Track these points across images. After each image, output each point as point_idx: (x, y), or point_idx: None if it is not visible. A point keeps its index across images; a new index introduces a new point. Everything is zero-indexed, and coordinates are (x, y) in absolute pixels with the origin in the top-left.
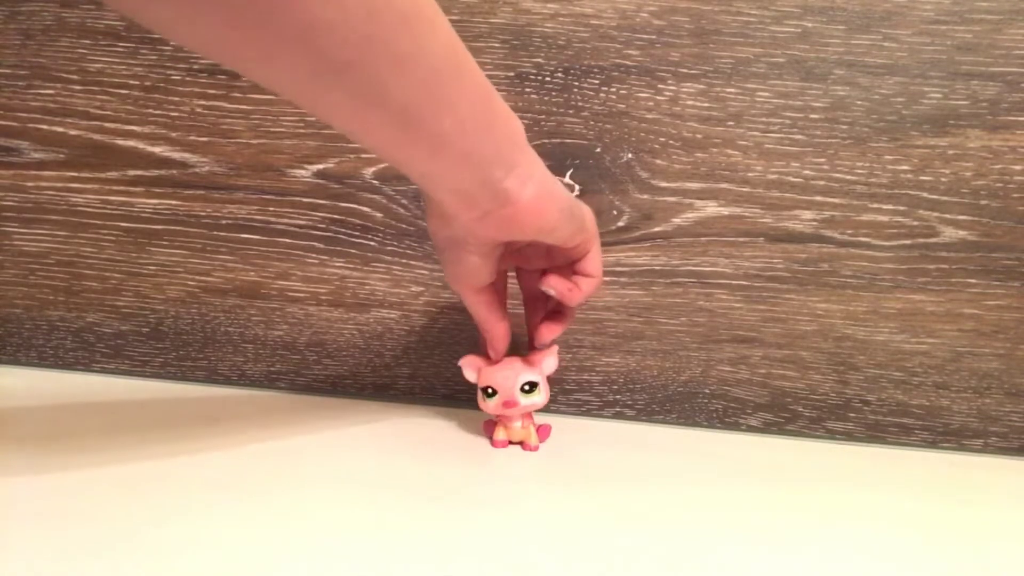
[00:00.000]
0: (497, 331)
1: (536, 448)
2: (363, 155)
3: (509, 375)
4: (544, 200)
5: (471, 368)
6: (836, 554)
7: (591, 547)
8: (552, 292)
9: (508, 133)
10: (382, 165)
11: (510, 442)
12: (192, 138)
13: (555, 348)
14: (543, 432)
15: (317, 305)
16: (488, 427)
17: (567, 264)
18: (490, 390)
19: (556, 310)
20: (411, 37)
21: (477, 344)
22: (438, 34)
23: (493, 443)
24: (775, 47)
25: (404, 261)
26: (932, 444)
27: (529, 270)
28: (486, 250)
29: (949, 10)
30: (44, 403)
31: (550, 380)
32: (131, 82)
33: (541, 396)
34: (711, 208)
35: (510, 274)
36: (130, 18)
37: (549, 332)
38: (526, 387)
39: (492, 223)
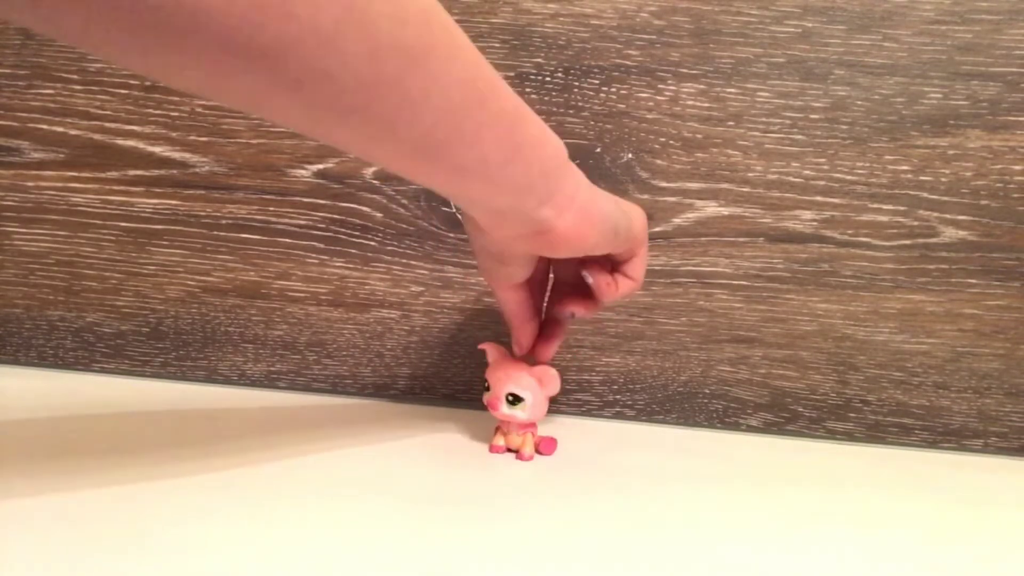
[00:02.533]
0: (524, 330)
1: (529, 458)
2: None
3: (503, 379)
4: (583, 226)
5: (490, 354)
6: (836, 554)
7: (591, 547)
8: (590, 280)
9: (540, 160)
10: None
11: (508, 449)
12: (192, 138)
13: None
14: (547, 446)
15: (317, 305)
16: (496, 431)
17: (612, 263)
18: (487, 384)
19: (551, 329)
20: (422, 76)
21: (483, 342)
22: (455, 67)
23: (491, 447)
24: (775, 47)
25: (404, 261)
26: (932, 444)
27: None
28: (522, 262)
29: (949, 10)
30: (44, 403)
31: None
32: (131, 82)
33: (525, 413)
34: (711, 208)
35: None
36: (112, 62)
37: (546, 352)
38: (510, 397)
39: (527, 243)
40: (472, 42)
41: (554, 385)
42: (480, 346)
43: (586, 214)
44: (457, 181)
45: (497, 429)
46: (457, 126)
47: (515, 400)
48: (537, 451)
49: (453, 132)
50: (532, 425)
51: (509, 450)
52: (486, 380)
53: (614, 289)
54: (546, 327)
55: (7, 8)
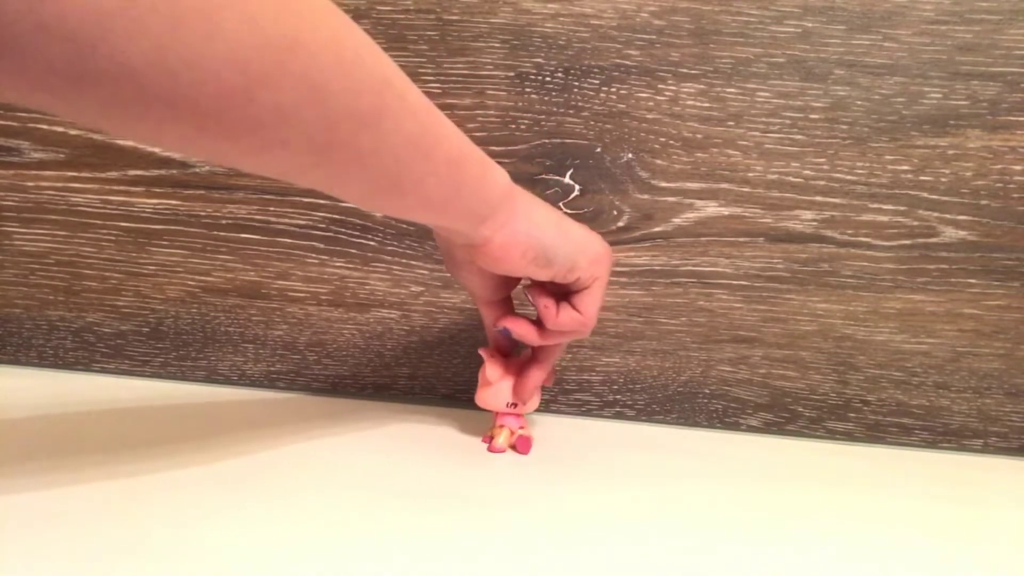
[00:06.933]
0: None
1: (500, 451)
2: None
3: (503, 387)
4: (510, 248)
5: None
6: (836, 554)
7: (591, 547)
8: (529, 298)
9: (481, 196)
10: None
11: (491, 437)
12: None
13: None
14: (522, 443)
15: (317, 305)
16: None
17: (564, 293)
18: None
19: (538, 357)
20: (372, 137)
21: (485, 342)
22: (403, 127)
23: (483, 437)
24: (775, 47)
25: (404, 261)
26: (932, 444)
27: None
28: (475, 270)
29: (949, 10)
30: (44, 403)
31: (554, 383)
32: None
33: (480, 398)
34: (711, 208)
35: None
36: (88, 127)
37: (513, 322)
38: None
39: (471, 254)
40: (470, 41)
41: (537, 399)
42: (479, 351)
43: (515, 238)
44: (405, 214)
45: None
46: (402, 176)
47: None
48: (513, 448)
49: (399, 181)
50: (516, 419)
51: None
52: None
53: (552, 313)
54: (536, 353)
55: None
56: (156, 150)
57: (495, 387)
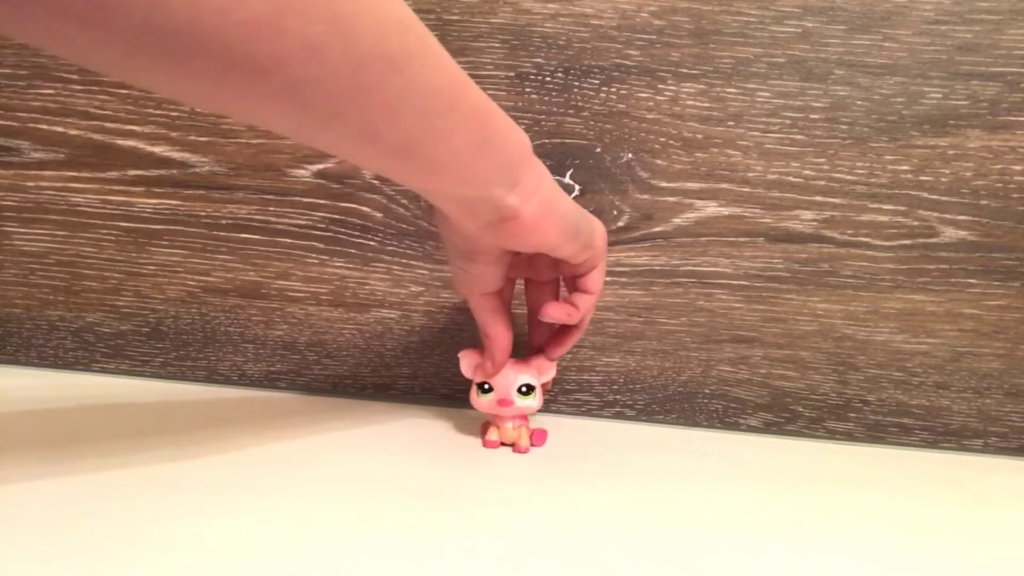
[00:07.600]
0: (501, 341)
1: (526, 450)
2: None
3: (508, 374)
4: (545, 218)
5: (469, 361)
6: (836, 554)
7: (591, 547)
8: (550, 319)
9: (508, 153)
10: None
11: (502, 443)
12: (192, 138)
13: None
14: (539, 437)
15: (317, 305)
16: (485, 428)
17: (571, 277)
18: (486, 386)
19: (563, 327)
20: (399, 82)
21: (478, 342)
22: (429, 73)
23: (484, 443)
24: (775, 47)
25: (404, 261)
26: (932, 444)
27: (537, 281)
28: (492, 258)
29: (949, 10)
30: (44, 403)
31: (553, 383)
32: None
33: (536, 401)
34: (711, 208)
35: (518, 283)
36: (125, 80)
37: (559, 348)
38: (524, 389)
39: (495, 233)
40: (470, 41)
41: (550, 371)
42: (459, 354)
43: (548, 206)
44: (431, 176)
45: (488, 424)
46: (431, 127)
47: (528, 391)
48: (530, 443)
49: (427, 132)
50: (525, 418)
51: (503, 444)
52: (485, 383)
53: (576, 313)
54: (560, 330)
55: (19, 30)
56: (156, 150)
57: (505, 374)
